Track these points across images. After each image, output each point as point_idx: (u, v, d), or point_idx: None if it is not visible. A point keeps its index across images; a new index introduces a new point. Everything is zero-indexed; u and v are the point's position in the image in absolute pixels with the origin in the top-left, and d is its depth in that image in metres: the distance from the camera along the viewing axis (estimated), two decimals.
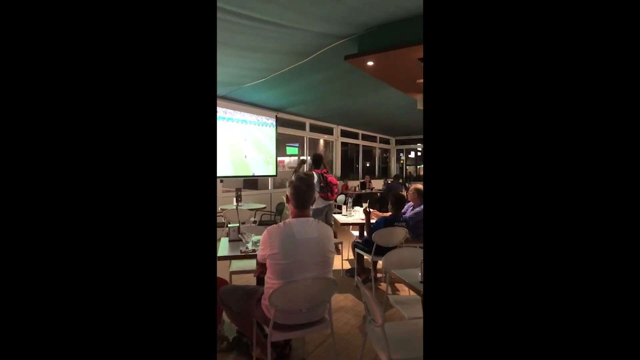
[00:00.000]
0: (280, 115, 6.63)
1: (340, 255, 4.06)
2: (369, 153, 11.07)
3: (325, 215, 4.16)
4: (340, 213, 4.18)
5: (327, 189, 4.08)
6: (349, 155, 10.18)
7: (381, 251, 2.70)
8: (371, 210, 3.48)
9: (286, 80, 4.37)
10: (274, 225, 1.63)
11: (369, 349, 1.84)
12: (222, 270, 2.63)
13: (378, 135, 10.78)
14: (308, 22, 2.74)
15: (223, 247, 2.24)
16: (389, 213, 3.16)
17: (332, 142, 8.75)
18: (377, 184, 9.09)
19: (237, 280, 2.50)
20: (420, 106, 4.70)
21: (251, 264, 2.49)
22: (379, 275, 3.43)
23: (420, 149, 11.37)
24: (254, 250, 2.06)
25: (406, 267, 1.96)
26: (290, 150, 8.16)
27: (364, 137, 10.04)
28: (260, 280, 2.00)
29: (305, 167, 6.98)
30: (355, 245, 3.31)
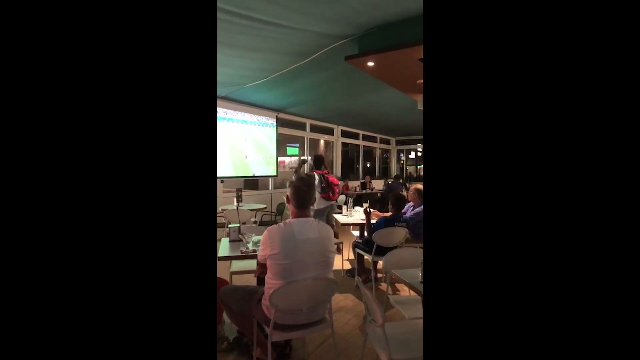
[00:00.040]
0: (281, 115, 6.63)
1: (341, 255, 4.06)
2: (369, 153, 11.07)
3: (326, 216, 4.17)
4: (341, 213, 4.18)
5: (329, 190, 4.09)
6: (349, 156, 10.18)
7: (381, 251, 2.70)
8: (371, 210, 3.48)
9: (287, 80, 4.37)
10: (274, 225, 1.64)
11: (370, 349, 1.84)
12: (223, 271, 2.63)
13: (378, 136, 10.78)
14: (308, 22, 2.74)
15: (223, 248, 2.24)
16: (390, 213, 3.15)
17: (333, 142, 8.76)
18: (378, 184, 9.09)
19: (238, 281, 2.50)
20: (420, 107, 4.70)
21: (252, 264, 2.49)
22: (379, 275, 3.42)
23: (420, 150, 11.36)
24: (254, 251, 2.06)
25: (406, 267, 1.96)
26: (290, 150, 8.16)
27: (365, 138, 10.04)
28: (261, 281, 2.00)
29: (306, 168, 6.99)
30: (355, 246, 3.31)
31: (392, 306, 2.26)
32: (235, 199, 4.41)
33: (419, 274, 1.76)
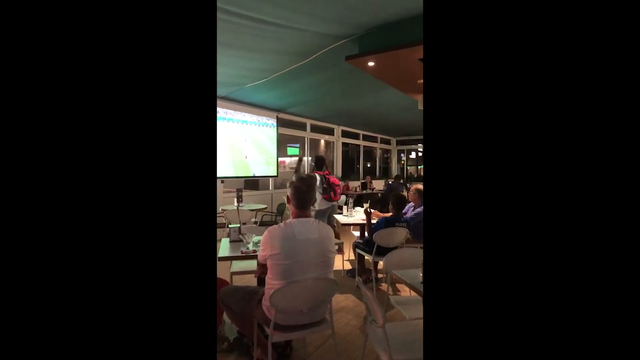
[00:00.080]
0: (281, 115, 6.63)
1: (342, 256, 4.06)
2: (369, 153, 11.07)
3: (328, 217, 4.16)
4: (341, 213, 4.18)
5: (330, 190, 4.08)
6: (349, 156, 10.18)
7: (382, 252, 2.70)
8: (372, 210, 3.48)
9: (287, 80, 4.37)
10: (275, 225, 1.63)
11: (370, 349, 1.84)
12: (223, 271, 2.63)
13: (379, 136, 10.78)
14: (309, 22, 2.74)
15: (224, 248, 2.24)
16: (390, 213, 3.15)
17: (333, 142, 8.75)
18: (378, 185, 9.09)
19: (238, 281, 2.50)
20: (421, 107, 4.70)
21: (252, 264, 2.49)
22: (380, 275, 3.42)
23: (421, 150, 11.36)
24: (254, 251, 2.06)
25: (407, 267, 1.95)
26: (290, 150, 8.16)
27: (365, 138, 10.04)
28: (261, 281, 2.00)
29: (306, 167, 6.98)
30: (356, 246, 3.31)
31: (393, 307, 2.26)
32: (235, 199, 4.41)
33: (419, 274, 1.76)
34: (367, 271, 3.38)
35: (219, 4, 2.27)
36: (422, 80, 3.78)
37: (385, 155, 11.92)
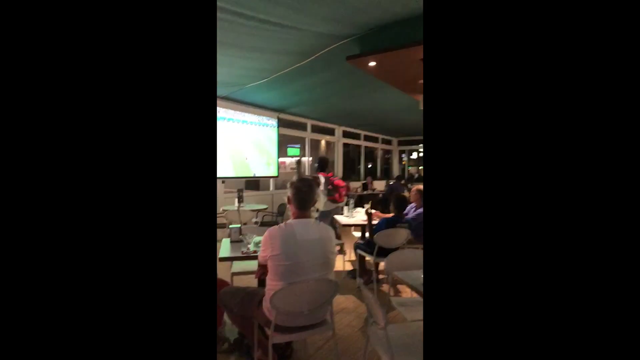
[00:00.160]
0: (282, 116, 6.63)
1: (342, 257, 4.05)
2: (371, 154, 11.06)
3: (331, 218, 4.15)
4: (342, 214, 4.17)
5: (335, 192, 4.07)
6: (350, 156, 10.17)
7: (383, 252, 2.69)
8: (373, 211, 3.47)
9: (288, 80, 4.37)
10: (275, 226, 1.63)
11: (372, 351, 1.83)
12: (224, 272, 2.62)
13: (380, 136, 10.77)
14: (310, 22, 2.73)
15: (224, 248, 2.23)
16: (391, 214, 3.14)
17: (334, 143, 8.75)
18: (379, 185, 9.07)
19: (239, 282, 2.49)
20: (422, 107, 4.69)
21: (252, 265, 2.48)
22: (381, 276, 3.41)
23: (422, 150, 11.35)
24: (255, 252, 2.05)
25: (408, 268, 1.94)
26: (291, 151, 8.15)
27: (366, 138, 10.03)
28: (262, 282, 1.99)
29: (306, 167, 6.96)
30: (357, 247, 3.30)
31: (394, 308, 2.25)
32: (236, 200, 4.41)
33: (421, 275, 1.75)
34: (368, 272, 3.37)
35: (219, 3, 2.27)
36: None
37: (386, 155, 11.91)
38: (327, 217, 4.08)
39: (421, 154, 11.60)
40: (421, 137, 10.61)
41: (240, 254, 2.07)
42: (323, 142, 8.93)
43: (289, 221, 1.65)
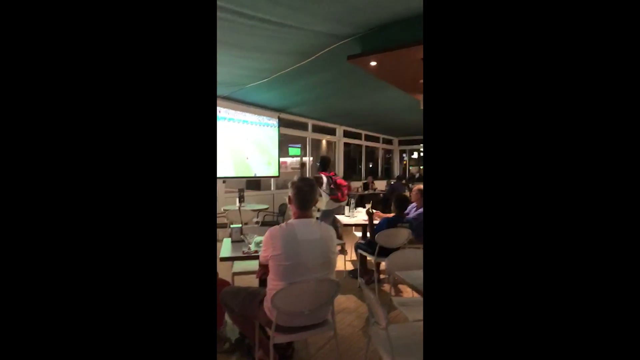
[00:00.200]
0: (283, 115, 6.63)
1: (343, 256, 4.04)
2: (371, 154, 11.05)
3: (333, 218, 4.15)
4: (343, 214, 4.17)
5: (338, 191, 4.07)
6: (351, 156, 10.17)
7: (384, 252, 2.68)
8: (374, 211, 3.46)
9: (289, 80, 4.37)
10: (276, 226, 1.62)
11: (373, 351, 1.83)
12: (225, 272, 2.62)
13: (381, 136, 10.76)
14: (310, 21, 2.73)
15: (226, 248, 2.23)
16: (392, 214, 3.14)
17: (335, 142, 8.74)
18: (380, 185, 9.07)
19: (240, 282, 2.49)
20: (422, 107, 4.67)
21: (253, 265, 2.48)
22: (382, 276, 3.41)
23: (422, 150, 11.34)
24: (256, 252, 2.05)
25: (410, 268, 1.94)
26: (292, 151, 8.15)
27: (367, 138, 10.03)
28: (263, 282, 1.99)
29: (308, 169, 6.96)
30: (358, 247, 3.30)
31: (395, 308, 2.24)
32: (237, 199, 4.41)
33: (421, 275, 1.74)
34: (369, 272, 3.36)
35: (219, 3, 2.27)
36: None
37: (387, 155, 11.90)
38: (329, 216, 4.08)
39: (422, 154, 11.59)
40: (422, 137, 10.60)
41: (241, 254, 2.07)
42: (324, 142, 8.93)
43: (290, 221, 1.65)
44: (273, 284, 1.57)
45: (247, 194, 5.64)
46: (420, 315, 1.84)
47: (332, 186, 4.06)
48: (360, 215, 3.88)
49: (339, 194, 4.08)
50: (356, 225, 3.76)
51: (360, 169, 10.36)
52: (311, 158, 8.18)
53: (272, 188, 6.77)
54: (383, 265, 3.12)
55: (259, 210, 4.89)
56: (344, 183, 4.20)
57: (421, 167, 11.72)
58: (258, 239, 2.19)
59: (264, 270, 1.71)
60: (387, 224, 2.97)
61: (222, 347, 2.08)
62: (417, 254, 2.13)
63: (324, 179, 4.09)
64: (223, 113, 5.41)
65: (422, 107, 4.58)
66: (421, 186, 3.52)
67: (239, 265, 2.63)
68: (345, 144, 9.08)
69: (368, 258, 3.18)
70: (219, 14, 2.37)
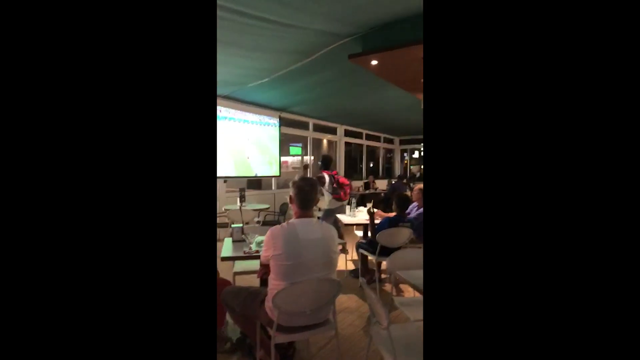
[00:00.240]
0: (284, 115, 6.63)
1: (345, 256, 4.04)
2: (372, 153, 11.04)
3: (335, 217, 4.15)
4: (344, 213, 4.16)
5: (340, 190, 4.07)
6: (352, 155, 10.16)
7: (385, 252, 2.68)
8: (375, 210, 3.46)
9: (289, 79, 4.36)
10: (277, 225, 1.62)
11: (374, 350, 1.82)
12: (226, 271, 2.62)
13: (382, 135, 10.75)
14: (311, 20, 2.72)
15: (227, 248, 2.22)
16: (393, 213, 3.13)
17: (336, 142, 8.73)
18: (381, 184, 9.06)
19: (241, 282, 2.49)
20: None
21: (255, 264, 2.48)
22: (383, 276, 3.40)
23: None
24: (257, 251, 2.04)
25: (411, 268, 1.93)
26: (293, 150, 8.15)
27: (368, 137, 10.02)
28: (264, 282, 1.99)
29: (310, 170, 6.95)
30: (359, 246, 3.29)
31: (397, 307, 2.24)
32: (238, 199, 4.40)
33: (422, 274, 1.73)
34: (371, 272, 3.36)
35: (219, 2, 2.26)
36: None
37: (388, 154, 11.89)
38: (331, 215, 4.07)
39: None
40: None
41: (243, 254, 2.07)
42: (325, 141, 8.93)
43: (291, 220, 1.64)
44: (274, 283, 1.57)
45: (248, 193, 5.64)
46: (421, 315, 1.83)
47: (334, 185, 4.05)
48: (361, 215, 3.87)
49: (342, 193, 4.08)
50: (357, 224, 3.75)
51: (361, 168, 10.35)
52: (312, 157, 8.18)
53: (273, 187, 6.77)
54: (384, 264, 3.12)
55: (260, 210, 4.89)
56: (347, 182, 4.19)
57: (422, 167, 11.71)
58: (259, 238, 2.19)
59: (265, 270, 1.71)
60: (388, 223, 2.97)
61: (224, 347, 2.08)
62: (418, 254, 2.12)
63: (327, 178, 4.08)
64: (224, 112, 5.40)
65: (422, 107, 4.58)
66: (422, 185, 3.51)
67: (240, 265, 2.63)
68: (346, 143, 9.08)
69: (369, 257, 3.18)
70: (219, 13, 2.37)
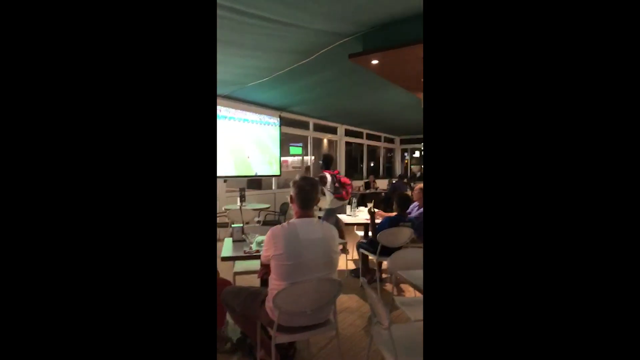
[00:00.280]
0: (284, 114, 6.62)
1: (345, 256, 4.04)
2: (373, 152, 11.04)
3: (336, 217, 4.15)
4: (345, 213, 4.16)
5: (342, 189, 4.06)
6: (353, 155, 10.16)
7: (386, 252, 2.67)
8: (376, 210, 3.45)
9: (290, 79, 4.36)
10: (278, 225, 1.61)
11: (375, 350, 1.82)
12: (226, 271, 2.61)
13: (382, 135, 10.74)
14: (312, 20, 2.71)
15: (227, 248, 2.22)
16: (394, 213, 3.12)
17: (336, 141, 8.73)
18: (382, 184, 9.06)
19: (241, 282, 2.48)
20: None
21: (255, 264, 2.47)
22: (384, 275, 3.39)
23: None
24: (257, 251, 2.04)
25: (411, 268, 1.93)
26: (293, 150, 8.14)
27: (369, 137, 10.01)
28: (264, 282, 1.98)
29: (311, 172, 6.94)
30: (360, 246, 3.29)
31: (398, 307, 2.23)
32: (238, 199, 4.40)
33: None
34: (371, 271, 3.35)
35: (219, 1, 2.26)
36: None
37: (388, 154, 11.88)
38: (332, 214, 4.06)
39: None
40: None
41: (243, 254, 2.06)
42: (325, 141, 8.92)
43: (291, 220, 1.64)
44: (275, 283, 1.56)
45: (248, 193, 5.64)
46: (422, 315, 1.83)
47: (336, 185, 4.05)
48: (362, 215, 3.86)
49: (344, 193, 4.07)
50: (358, 224, 3.75)
51: (362, 167, 10.34)
52: (313, 157, 8.17)
53: (273, 187, 6.77)
54: (385, 264, 3.11)
55: (260, 210, 4.89)
56: (348, 181, 4.19)
57: (422, 166, 11.71)
58: (259, 238, 2.18)
59: (265, 270, 1.71)
60: (389, 223, 2.96)
61: (224, 347, 2.07)
62: (419, 253, 2.11)
63: (328, 177, 4.07)
64: (224, 112, 5.40)
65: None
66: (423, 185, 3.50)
67: (241, 265, 2.62)
68: (347, 143, 9.07)
69: (370, 257, 3.17)
70: (219, 12, 2.36)
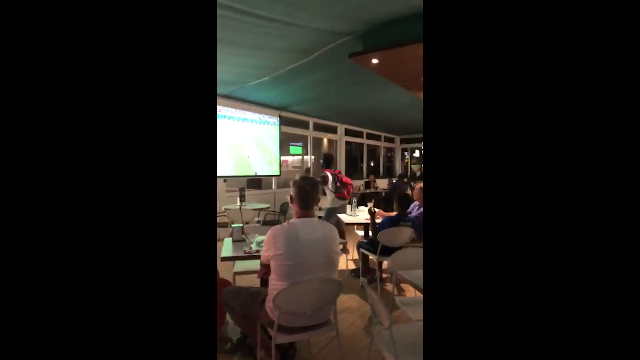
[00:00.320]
0: (284, 114, 6.61)
1: (345, 255, 4.03)
2: (373, 152, 11.03)
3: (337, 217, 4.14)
4: (345, 213, 4.15)
5: (343, 189, 4.06)
6: (353, 155, 10.15)
7: (387, 251, 2.67)
8: (376, 210, 3.45)
9: (290, 78, 4.35)
10: (278, 225, 1.61)
11: (376, 350, 1.81)
12: (226, 271, 2.61)
13: (382, 134, 10.74)
14: (311, 19, 2.71)
15: (227, 248, 2.21)
16: (394, 213, 3.12)
17: (336, 141, 8.72)
18: (382, 184, 9.05)
19: (241, 282, 2.48)
20: None
21: (255, 264, 2.47)
22: (384, 275, 3.39)
23: None
24: (257, 251, 2.03)
25: (412, 267, 1.92)
26: (293, 149, 8.13)
27: (369, 136, 10.01)
28: (264, 282, 1.98)
29: (311, 173, 6.94)
30: (360, 245, 3.28)
31: (398, 307, 2.23)
32: (238, 198, 4.40)
33: None
34: (372, 271, 3.35)
35: (219, 0, 2.25)
36: None
37: (388, 153, 11.88)
38: (333, 214, 4.06)
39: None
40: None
41: (243, 254, 2.06)
42: (325, 140, 8.91)
43: (291, 220, 1.63)
44: (275, 284, 1.56)
45: (248, 193, 5.63)
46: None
47: (337, 184, 4.04)
48: (362, 214, 3.86)
49: (345, 192, 4.07)
50: (358, 224, 3.74)
51: (362, 167, 10.34)
52: (312, 157, 8.17)
53: (273, 187, 6.76)
54: (385, 264, 3.11)
55: (260, 210, 4.88)
56: (349, 181, 4.19)
57: (423, 166, 11.70)
58: (259, 238, 2.18)
59: (265, 270, 1.70)
60: (389, 222, 2.95)
61: (224, 347, 2.07)
62: (419, 253, 2.11)
63: (330, 177, 4.07)
64: (223, 111, 5.39)
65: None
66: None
67: (240, 265, 2.62)
68: (347, 143, 9.06)
69: (370, 257, 3.17)
70: (219, 11, 2.35)
